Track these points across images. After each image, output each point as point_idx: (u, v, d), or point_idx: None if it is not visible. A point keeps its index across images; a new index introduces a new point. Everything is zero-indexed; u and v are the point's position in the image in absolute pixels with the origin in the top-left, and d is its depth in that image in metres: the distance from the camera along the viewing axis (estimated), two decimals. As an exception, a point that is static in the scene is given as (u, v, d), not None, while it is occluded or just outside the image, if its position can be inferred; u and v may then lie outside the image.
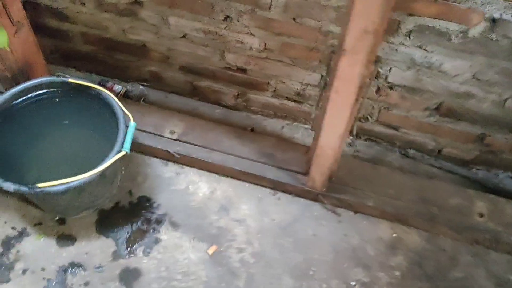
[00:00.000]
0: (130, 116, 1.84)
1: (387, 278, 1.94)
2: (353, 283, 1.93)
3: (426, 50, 1.72)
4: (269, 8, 1.77)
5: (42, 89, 1.89)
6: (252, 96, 2.24)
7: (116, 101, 1.87)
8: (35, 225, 1.98)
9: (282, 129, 2.33)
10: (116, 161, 1.69)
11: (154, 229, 2.01)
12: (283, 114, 2.29)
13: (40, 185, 1.64)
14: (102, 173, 1.68)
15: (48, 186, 1.64)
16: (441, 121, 2.04)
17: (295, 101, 2.20)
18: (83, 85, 1.88)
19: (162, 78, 2.30)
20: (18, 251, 1.90)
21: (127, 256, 1.93)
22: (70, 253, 1.92)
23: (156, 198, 2.09)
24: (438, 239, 2.05)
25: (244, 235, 2.01)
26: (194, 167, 2.17)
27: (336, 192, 2.05)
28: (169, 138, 2.14)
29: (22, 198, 2.01)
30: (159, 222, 2.03)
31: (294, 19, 1.79)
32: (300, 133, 2.32)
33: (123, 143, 1.76)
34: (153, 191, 2.10)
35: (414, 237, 2.06)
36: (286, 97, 2.20)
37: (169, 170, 2.17)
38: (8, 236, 1.94)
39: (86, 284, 1.85)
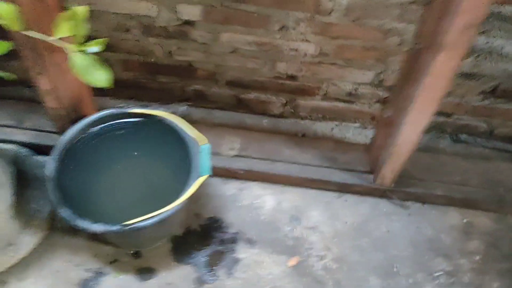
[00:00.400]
0: (202, 137, 1.81)
1: (469, 264, 1.97)
2: (437, 274, 1.95)
3: (489, 36, 1.75)
4: (330, 13, 1.76)
5: (104, 122, 1.83)
6: (301, 102, 2.23)
7: (180, 125, 1.83)
8: (110, 263, 1.92)
9: (332, 130, 2.33)
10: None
11: (230, 249, 1.98)
12: (332, 116, 2.29)
13: (130, 222, 1.59)
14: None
15: (138, 222, 1.60)
16: (495, 103, 2.08)
17: (345, 101, 2.20)
18: (144, 113, 1.84)
19: (206, 96, 2.26)
20: (99, 293, 1.85)
21: (210, 281, 1.89)
22: (152, 286, 1.87)
23: (224, 218, 2.05)
24: (507, 218, 2.10)
25: (321, 242, 2.00)
26: (255, 180, 2.14)
27: (403, 186, 2.06)
28: (228, 155, 2.11)
29: (93, 237, 1.95)
30: (233, 241, 2.00)
31: (353, 21, 1.78)
32: (351, 133, 2.32)
33: (198, 166, 1.73)
34: (219, 211, 2.07)
35: (484, 220, 2.09)
36: (337, 99, 2.19)
37: (231, 187, 2.14)
38: (84, 280, 1.87)
39: (176, 315, 1.81)
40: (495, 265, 1.98)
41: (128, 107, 1.84)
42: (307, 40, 1.91)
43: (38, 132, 2.10)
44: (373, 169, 2.06)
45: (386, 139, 1.88)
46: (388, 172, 1.95)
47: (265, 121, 2.33)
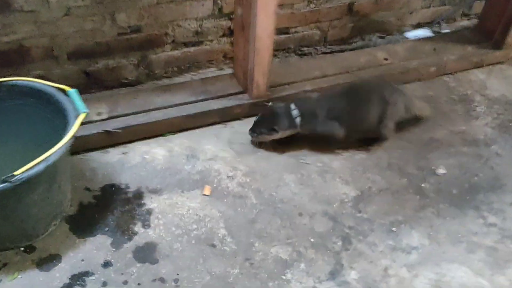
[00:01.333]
0: (63, 87, 1.64)
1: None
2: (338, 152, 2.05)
3: None
4: None
5: None
6: (153, 57, 2.19)
7: (36, 83, 1.64)
8: None
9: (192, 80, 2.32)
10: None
11: (138, 205, 1.78)
12: (187, 65, 2.29)
13: (17, 172, 1.33)
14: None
15: (27, 170, 1.34)
16: (318, 5, 2.34)
17: (195, 44, 2.23)
18: None
19: (50, 80, 2.06)
20: (-3, 304, 1.47)
21: (129, 238, 1.67)
22: (62, 270, 1.56)
23: (118, 181, 1.85)
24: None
25: (226, 166, 1.94)
26: (137, 140, 2.00)
27: (277, 92, 2.14)
28: (99, 120, 1.94)
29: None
30: (138, 197, 1.81)
31: None
32: (210, 75, 2.34)
33: (73, 109, 1.56)
34: (111, 178, 1.86)
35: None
36: (186, 43, 2.21)
37: (114, 154, 1.96)
38: (-28, 298, 1.48)
39: (104, 284, 1.53)
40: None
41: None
42: (139, -22, 1.92)
43: None
44: (246, 87, 2.10)
45: (245, 47, 1.95)
46: (260, 77, 2.00)
47: (122, 93, 2.21)
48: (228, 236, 1.71)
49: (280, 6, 2.25)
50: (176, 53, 2.23)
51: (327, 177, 1.94)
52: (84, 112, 1.56)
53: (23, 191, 1.41)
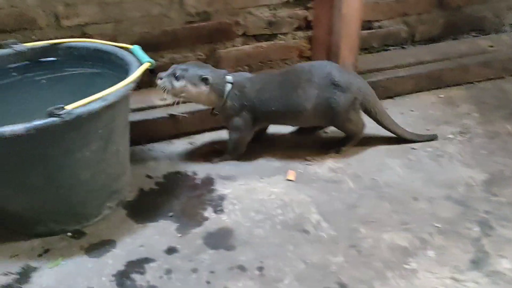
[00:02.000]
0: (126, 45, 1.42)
1: (473, 120, 1.73)
2: (451, 136, 1.66)
3: None
4: None
5: None
6: (223, 52, 1.97)
7: (100, 44, 1.45)
8: (39, 256, 1.24)
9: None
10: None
11: (208, 190, 1.45)
12: (259, 63, 2.05)
13: (68, 107, 1.06)
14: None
15: (80, 106, 1.08)
16: (405, -6, 2.10)
17: (268, 37, 2.00)
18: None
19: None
20: (34, 292, 1.14)
21: (195, 224, 1.32)
22: (117, 257, 1.22)
23: (185, 169, 1.55)
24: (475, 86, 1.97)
25: (308, 149, 1.60)
26: (204, 131, 1.72)
27: (367, 79, 1.82)
28: (163, 106, 1.69)
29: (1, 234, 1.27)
30: (208, 182, 1.49)
31: None
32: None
33: (136, 61, 1.32)
34: (176, 166, 1.57)
35: (458, 92, 1.92)
36: (258, 36, 1.99)
37: (179, 145, 1.68)
38: (5, 286, 1.15)
39: (168, 272, 1.17)
40: (495, 113, 1.78)
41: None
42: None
43: None
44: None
45: (328, 16, 1.69)
46: (346, 53, 1.73)
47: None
48: (323, 221, 1.32)
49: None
50: (247, 48, 2.00)
51: (443, 161, 1.54)
52: (149, 62, 1.31)
53: (73, 138, 1.13)
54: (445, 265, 1.17)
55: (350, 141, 1.60)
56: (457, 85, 1.96)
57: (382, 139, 1.65)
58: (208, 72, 1.50)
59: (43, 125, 1.04)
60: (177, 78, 1.45)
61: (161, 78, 1.45)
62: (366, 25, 2.12)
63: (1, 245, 1.26)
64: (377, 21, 2.14)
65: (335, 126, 1.59)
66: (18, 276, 1.17)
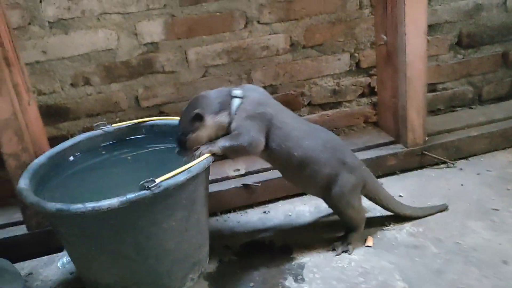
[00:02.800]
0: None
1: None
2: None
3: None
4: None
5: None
6: (290, 122, 2.04)
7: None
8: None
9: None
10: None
11: (287, 259, 1.45)
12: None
13: (158, 179, 1.14)
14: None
15: (168, 178, 1.15)
16: (466, 54, 2.11)
17: (332, 105, 2.06)
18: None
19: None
20: None
21: (279, 297, 1.31)
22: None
23: (262, 238, 1.57)
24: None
25: (387, 217, 1.57)
26: (278, 199, 1.75)
27: (438, 140, 1.82)
28: (237, 176, 1.75)
29: None
30: (286, 251, 1.49)
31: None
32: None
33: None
34: (252, 235, 1.59)
35: None
36: (323, 105, 2.05)
37: (254, 214, 1.71)
38: None
39: None
40: None
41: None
42: (274, 32, 1.88)
43: None
44: (397, 134, 1.82)
45: (393, 80, 1.74)
46: (414, 115, 1.73)
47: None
48: (409, 288, 1.27)
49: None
50: (313, 117, 2.06)
51: (530, 222, 1.47)
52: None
53: (161, 209, 1.19)
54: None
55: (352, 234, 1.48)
56: (532, 142, 1.91)
57: (460, 201, 1.61)
58: (201, 103, 1.36)
59: (135, 197, 1.12)
60: (187, 139, 1.33)
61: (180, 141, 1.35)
62: (430, 87, 2.14)
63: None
64: (441, 83, 2.16)
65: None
66: None
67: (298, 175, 1.42)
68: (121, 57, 1.80)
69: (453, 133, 1.87)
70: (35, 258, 1.57)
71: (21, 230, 1.60)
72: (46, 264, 1.55)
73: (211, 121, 1.34)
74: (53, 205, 1.14)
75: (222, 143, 1.33)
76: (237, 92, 1.39)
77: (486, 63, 2.16)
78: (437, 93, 2.17)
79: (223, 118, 1.35)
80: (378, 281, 1.31)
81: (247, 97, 1.38)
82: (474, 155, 1.87)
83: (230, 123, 1.35)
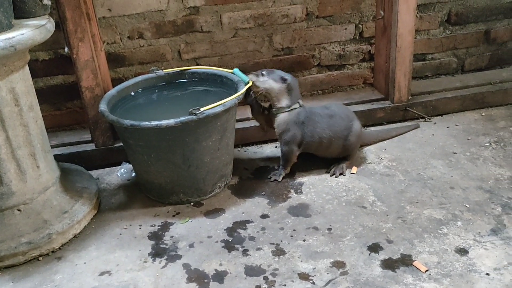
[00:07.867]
0: (228, 70, 1.97)
1: (509, 134, 2.09)
2: (486, 144, 2.03)
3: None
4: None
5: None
6: (301, 79, 2.47)
7: (208, 69, 2.00)
8: (173, 216, 1.77)
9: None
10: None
11: (291, 178, 1.93)
12: (330, 89, 2.53)
13: (202, 108, 1.60)
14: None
15: (209, 109, 1.62)
16: (454, 30, 2.50)
17: (337, 67, 2.49)
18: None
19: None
20: (172, 236, 1.66)
21: (282, 200, 1.79)
22: (226, 219, 1.72)
23: (272, 165, 2.04)
24: None
25: (371, 154, 2.03)
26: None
27: (419, 99, 2.25)
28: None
29: (146, 202, 1.83)
30: (291, 174, 1.95)
31: (325, -31, 2.24)
32: (352, 98, 2.54)
33: (241, 81, 1.86)
34: (266, 162, 2.06)
35: (499, 111, 2.29)
36: (329, 66, 2.48)
37: (268, 147, 2.18)
38: (153, 232, 1.69)
39: (263, 229, 1.65)
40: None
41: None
42: (294, 3, 2.30)
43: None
44: (387, 93, 2.26)
45: (386, 49, 2.16)
46: (401, 77, 2.16)
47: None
48: (378, 201, 1.75)
49: (416, 32, 2.45)
50: (320, 76, 2.50)
51: (478, 162, 1.92)
52: (249, 81, 1.84)
53: (202, 131, 1.66)
54: (470, 231, 1.55)
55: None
56: (498, 105, 2.33)
57: (429, 146, 2.06)
58: (289, 76, 1.90)
59: (186, 120, 1.59)
60: (263, 75, 1.87)
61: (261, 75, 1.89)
62: (421, 57, 2.55)
63: (147, 208, 1.81)
64: (430, 53, 2.56)
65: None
66: (160, 227, 1.71)
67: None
68: (169, 17, 2.24)
69: (433, 94, 2.30)
70: (100, 169, 2.09)
71: (90, 147, 2.09)
72: (108, 173, 2.06)
73: (282, 87, 1.86)
74: (128, 122, 1.62)
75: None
76: (301, 102, 1.94)
77: (470, 39, 2.56)
78: (426, 62, 2.58)
79: (285, 95, 1.88)
80: (356, 195, 1.79)
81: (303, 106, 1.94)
82: (448, 113, 2.30)
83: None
